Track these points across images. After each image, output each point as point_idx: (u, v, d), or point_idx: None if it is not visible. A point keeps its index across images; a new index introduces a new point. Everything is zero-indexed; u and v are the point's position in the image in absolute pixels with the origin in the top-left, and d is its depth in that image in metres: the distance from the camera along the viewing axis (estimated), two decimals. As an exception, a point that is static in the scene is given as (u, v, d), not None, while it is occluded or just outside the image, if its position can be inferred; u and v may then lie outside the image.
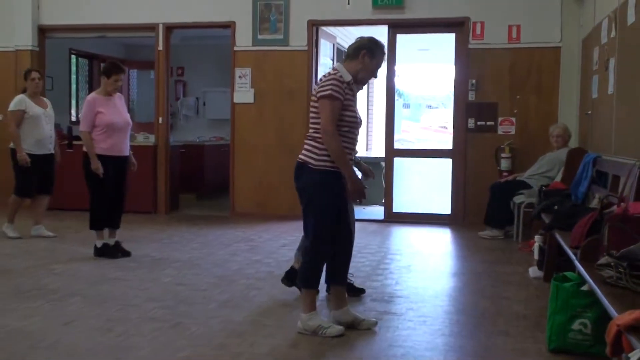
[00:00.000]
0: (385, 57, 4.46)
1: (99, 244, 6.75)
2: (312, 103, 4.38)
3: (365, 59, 4.36)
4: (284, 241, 7.75)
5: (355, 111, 4.38)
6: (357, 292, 5.28)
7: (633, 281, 3.26)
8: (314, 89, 4.40)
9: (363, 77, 4.41)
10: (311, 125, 4.38)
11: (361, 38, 4.47)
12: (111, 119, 6.66)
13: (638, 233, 3.59)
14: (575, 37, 8.65)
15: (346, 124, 4.31)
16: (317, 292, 4.68)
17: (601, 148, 6.74)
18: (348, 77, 4.33)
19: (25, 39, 10.15)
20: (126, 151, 6.82)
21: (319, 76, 9.58)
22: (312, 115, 4.37)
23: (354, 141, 4.44)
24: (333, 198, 4.36)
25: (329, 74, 4.36)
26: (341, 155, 4.26)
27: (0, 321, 4.53)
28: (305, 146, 4.39)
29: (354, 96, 4.41)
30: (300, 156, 4.41)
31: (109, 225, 6.83)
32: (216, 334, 4.34)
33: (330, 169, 4.31)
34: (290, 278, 5.30)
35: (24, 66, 10.00)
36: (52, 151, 7.77)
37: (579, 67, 8.52)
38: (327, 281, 4.69)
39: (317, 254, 4.43)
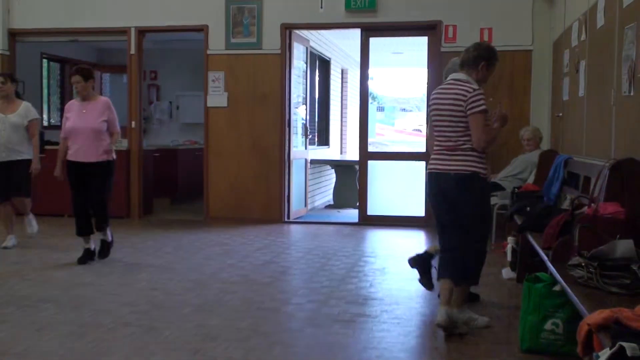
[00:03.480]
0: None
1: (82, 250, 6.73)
2: (455, 113, 4.42)
3: (484, 70, 4.53)
4: (258, 245, 7.74)
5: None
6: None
7: (603, 281, 3.30)
8: (465, 101, 4.39)
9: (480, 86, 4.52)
10: (460, 138, 4.44)
11: (479, 45, 4.66)
12: (71, 125, 6.65)
13: (608, 233, 3.64)
14: (546, 40, 8.74)
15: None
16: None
17: (572, 150, 6.81)
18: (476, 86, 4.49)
19: (-5, 43, 10.04)
20: (90, 157, 6.63)
21: (293, 79, 9.70)
22: (457, 127, 4.44)
23: None
24: None
25: (472, 88, 4.41)
26: (495, 135, 4.48)
27: (-29, 328, 4.48)
28: (466, 157, 4.43)
29: None
30: (465, 167, 4.42)
31: (91, 231, 6.84)
32: (190, 338, 4.32)
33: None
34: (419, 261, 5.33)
35: (-6, 70, 9.92)
36: (11, 158, 7.35)
37: (550, 69, 8.61)
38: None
39: (484, 252, 4.64)
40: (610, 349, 2.38)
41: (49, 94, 12.99)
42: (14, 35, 10.22)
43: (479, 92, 4.38)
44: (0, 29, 10.01)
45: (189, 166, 11.91)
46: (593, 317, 2.72)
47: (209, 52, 9.64)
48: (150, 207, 10.47)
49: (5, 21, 10.08)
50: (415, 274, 5.48)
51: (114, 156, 6.83)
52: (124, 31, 9.88)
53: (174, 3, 9.70)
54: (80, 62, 13.30)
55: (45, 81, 12.81)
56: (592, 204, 4.16)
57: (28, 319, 4.71)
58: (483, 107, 4.35)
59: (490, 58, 4.54)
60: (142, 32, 9.93)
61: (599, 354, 2.47)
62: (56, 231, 6.80)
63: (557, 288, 3.96)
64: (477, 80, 4.49)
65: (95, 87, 13.84)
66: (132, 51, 9.89)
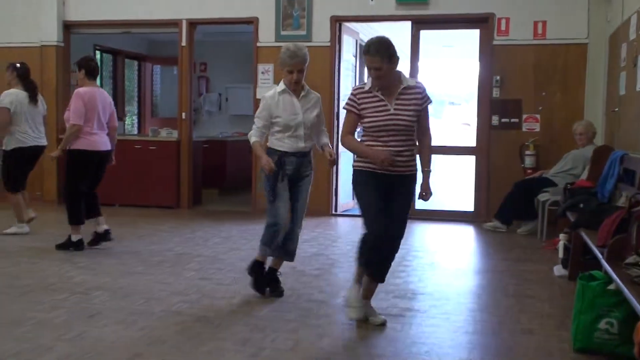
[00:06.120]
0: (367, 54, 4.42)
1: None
2: None
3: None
4: (305, 237, 7.72)
5: (372, 116, 4.38)
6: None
7: (662, 280, 3.22)
8: None
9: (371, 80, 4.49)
10: None
11: None
12: None
13: (667, 232, 3.55)
14: (602, 33, 8.55)
15: (365, 130, 4.48)
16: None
17: (628, 145, 6.66)
18: (368, 85, 4.46)
19: (50, 35, 10.22)
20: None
21: (342, 72, 9.69)
22: None
23: (385, 143, 4.38)
24: None
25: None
26: (356, 149, 4.50)
27: (28, 313, 4.58)
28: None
29: (384, 100, 4.39)
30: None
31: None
32: (239, 328, 4.35)
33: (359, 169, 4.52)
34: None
35: (49, 62, 10.12)
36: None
37: (606, 63, 8.42)
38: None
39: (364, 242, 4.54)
40: (671, 350, 2.32)
41: (101, 85, 13.17)
42: (68, 27, 10.41)
43: (350, 93, 4.56)
44: (56, 21, 10.20)
45: (237, 157, 11.98)
46: (652, 317, 2.66)
47: (258, 44, 9.67)
48: (199, 198, 10.57)
49: (61, 13, 10.26)
50: (462, 270, 5.45)
51: (71, 147, 6.67)
52: (175, 23, 9.98)
53: (225, -5, 9.76)
54: (132, 53, 13.53)
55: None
56: (651, 202, 4.06)
57: (81, 306, 4.80)
58: (345, 106, 4.54)
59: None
60: (193, 24, 10.01)
61: (659, 355, 2.41)
62: (106, 220, 6.94)
63: (612, 287, 3.87)
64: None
65: (146, 79, 14.17)
66: (183, 43, 9.98)
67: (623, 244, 3.91)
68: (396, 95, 4.39)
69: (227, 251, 6.88)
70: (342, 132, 4.56)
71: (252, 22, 9.67)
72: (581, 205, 6.00)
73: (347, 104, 4.50)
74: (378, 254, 4.45)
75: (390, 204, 4.42)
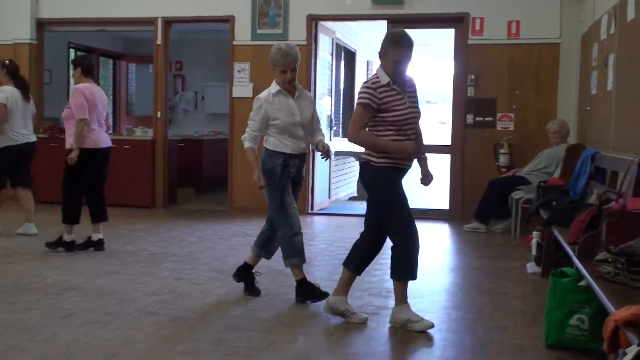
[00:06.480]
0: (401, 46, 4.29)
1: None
2: None
3: (382, 58, 4.39)
4: (282, 236, 7.74)
5: (398, 109, 4.31)
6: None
7: (631, 277, 3.26)
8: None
9: (392, 73, 4.34)
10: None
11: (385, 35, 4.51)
12: None
13: (636, 229, 3.60)
14: (574, 33, 8.65)
15: (389, 125, 4.33)
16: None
17: (600, 144, 6.74)
18: (386, 79, 4.32)
19: (23, 33, 10.13)
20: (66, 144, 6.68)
21: (318, 71, 9.69)
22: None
23: (408, 137, 4.37)
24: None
25: (366, 81, 4.43)
26: (378, 144, 4.34)
27: (0, 314, 4.55)
28: None
29: (401, 93, 4.35)
30: (363, 155, 4.49)
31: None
32: (214, 328, 4.34)
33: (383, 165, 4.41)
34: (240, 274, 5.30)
35: (23, 60, 10.01)
36: None
37: (578, 63, 8.52)
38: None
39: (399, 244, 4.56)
40: (638, 345, 2.36)
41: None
42: (42, 24, 10.32)
43: (364, 86, 4.35)
44: (29, 19, 10.10)
45: (213, 156, 11.95)
46: (620, 313, 2.69)
47: (234, 42, 9.65)
48: (175, 197, 10.53)
49: (34, 11, 10.17)
50: (437, 267, 5.47)
51: (81, 145, 6.56)
52: (150, 21, 9.94)
53: (201, -7, 9.73)
54: (107, 51, 13.43)
55: (72, 70, 12.88)
56: (620, 199, 4.11)
57: (54, 306, 4.76)
58: (360, 100, 4.33)
59: (383, 45, 4.34)
60: (168, 22, 9.97)
61: (626, 350, 2.44)
62: (83, 219, 6.90)
63: (583, 283, 3.92)
64: (387, 69, 4.34)
65: (121, 77, 14.08)
66: (159, 41, 9.94)
67: (593, 241, 3.95)
68: (407, 88, 4.41)
69: (202, 251, 6.87)
70: (354, 127, 4.37)
71: (228, 20, 9.66)
72: (554, 203, 6.06)
73: (365, 98, 4.28)
74: (417, 253, 4.52)
75: None
